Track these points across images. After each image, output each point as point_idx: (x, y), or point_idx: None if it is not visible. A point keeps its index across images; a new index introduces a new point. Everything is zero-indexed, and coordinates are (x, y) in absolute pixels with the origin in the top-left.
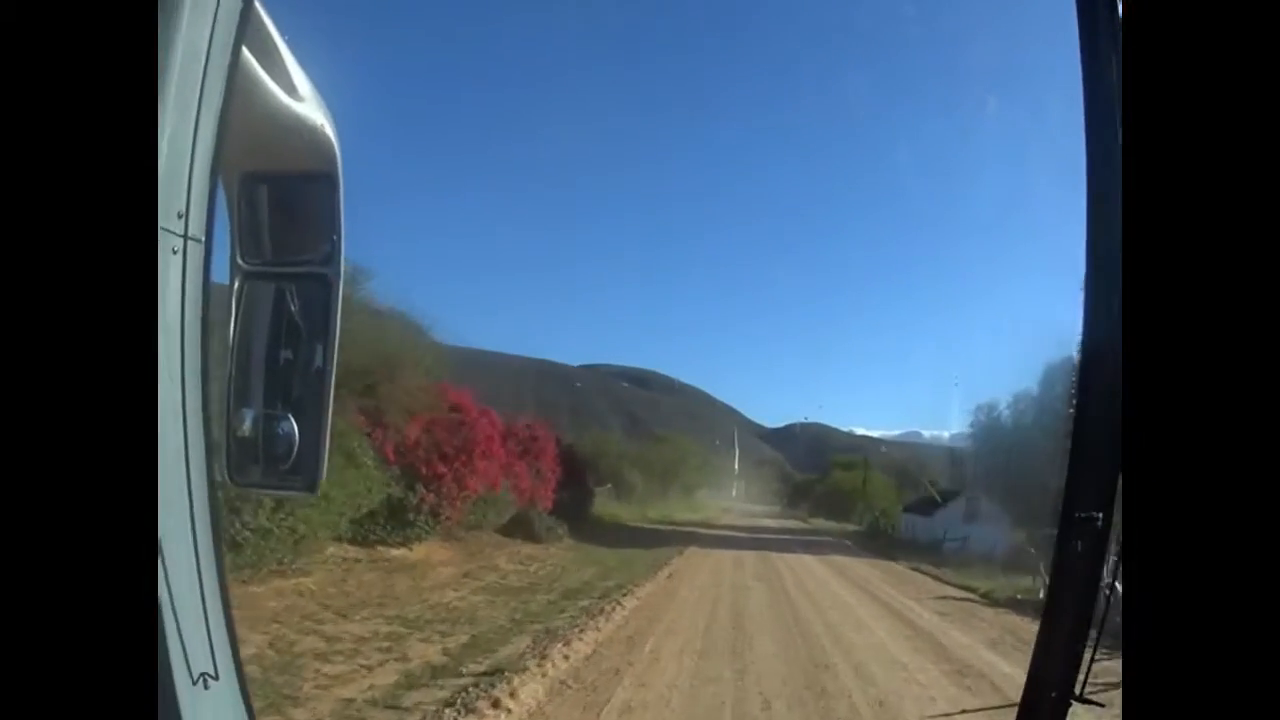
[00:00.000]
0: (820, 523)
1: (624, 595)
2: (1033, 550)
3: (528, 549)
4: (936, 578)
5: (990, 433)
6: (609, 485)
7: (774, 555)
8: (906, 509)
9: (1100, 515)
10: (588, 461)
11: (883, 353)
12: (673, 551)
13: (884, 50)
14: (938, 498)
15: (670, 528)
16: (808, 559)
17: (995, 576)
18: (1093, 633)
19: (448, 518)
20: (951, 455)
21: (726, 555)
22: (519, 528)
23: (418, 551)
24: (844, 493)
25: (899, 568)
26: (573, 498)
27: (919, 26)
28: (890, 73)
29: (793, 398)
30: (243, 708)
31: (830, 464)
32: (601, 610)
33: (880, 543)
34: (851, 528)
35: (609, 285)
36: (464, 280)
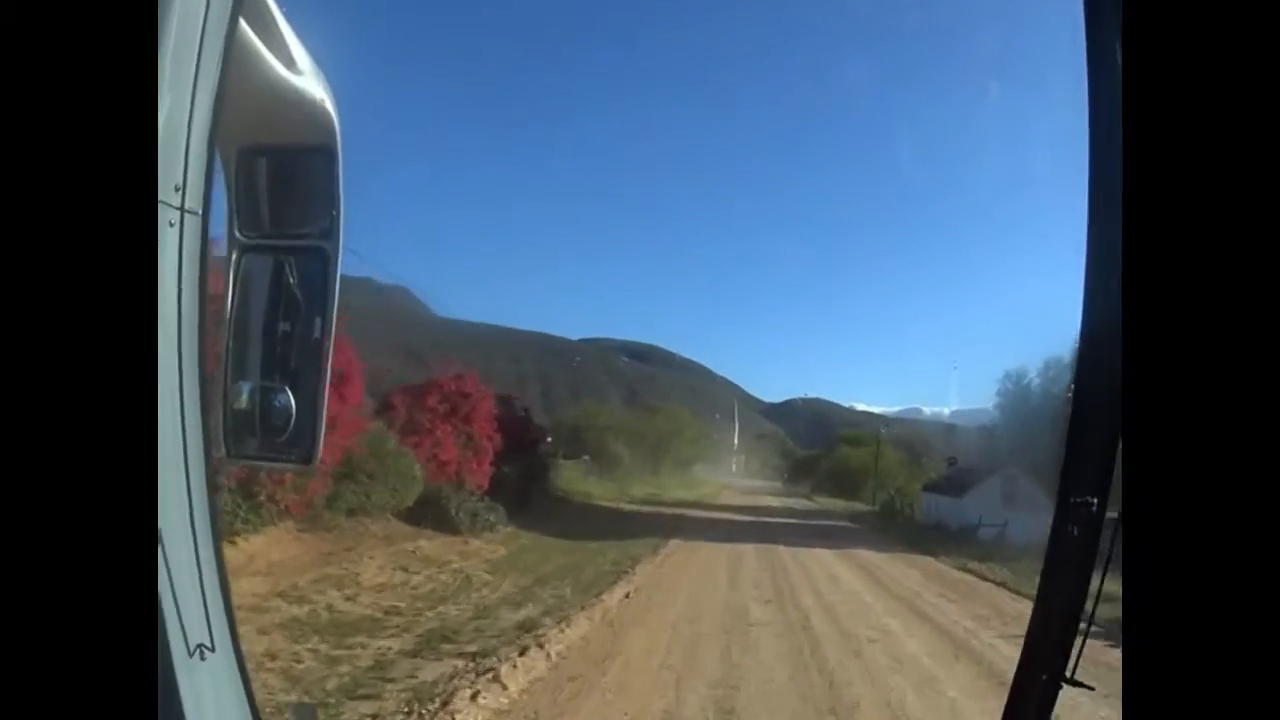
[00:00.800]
0: (827, 501)
1: (521, 652)
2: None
3: (433, 544)
4: (999, 583)
5: (1021, 403)
6: (585, 457)
7: (783, 550)
8: (927, 488)
9: (1095, 500)
10: (552, 427)
11: (883, 329)
12: (648, 547)
13: (885, 33)
14: (932, 475)
15: (654, 509)
16: (826, 556)
17: None
18: (1083, 620)
19: (275, 498)
20: (951, 431)
21: (721, 552)
22: (429, 512)
23: (244, 548)
24: (852, 469)
25: (944, 568)
26: (519, 473)
27: (919, 11)
28: (891, 54)
29: (792, 373)
30: (238, 678)
31: (836, 438)
32: (450, 697)
33: (899, 527)
34: (862, 507)
35: (610, 260)
36: (465, 255)
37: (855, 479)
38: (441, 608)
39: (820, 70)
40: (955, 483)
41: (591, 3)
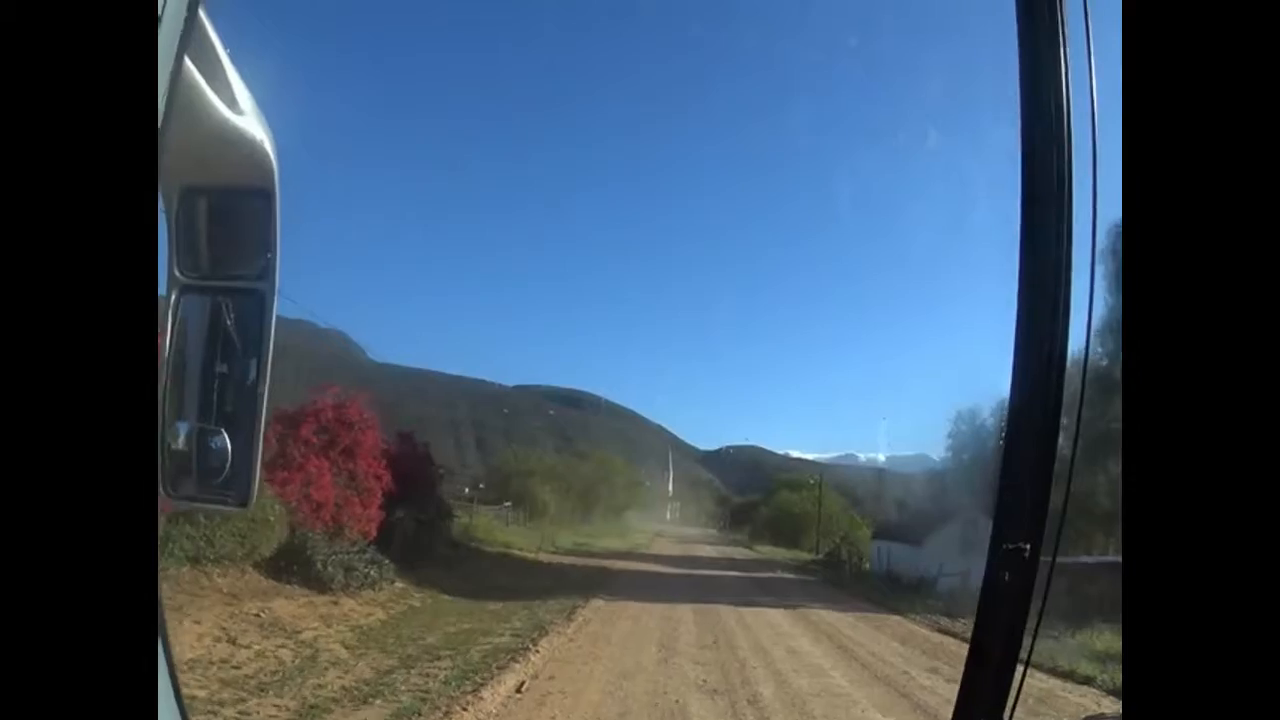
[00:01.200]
0: (768, 550)
1: None
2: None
3: (292, 605)
4: None
5: (975, 443)
6: (507, 504)
7: (726, 611)
8: (878, 535)
9: (1028, 547)
10: (485, 474)
11: (815, 376)
12: (563, 609)
13: (825, 81)
14: (873, 522)
15: (580, 561)
16: (777, 618)
17: (1064, 639)
18: (1019, 664)
19: None
20: (883, 477)
21: (652, 614)
22: (293, 564)
23: None
24: (793, 515)
25: (916, 629)
26: (417, 520)
27: (861, 58)
28: (830, 103)
29: (725, 420)
30: (177, 714)
31: (775, 484)
32: None
33: (849, 578)
34: (805, 556)
35: (545, 307)
36: (403, 299)
37: (796, 526)
38: (254, 701)
39: (762, 116)
40: (909, 529)
41: (537, 52)
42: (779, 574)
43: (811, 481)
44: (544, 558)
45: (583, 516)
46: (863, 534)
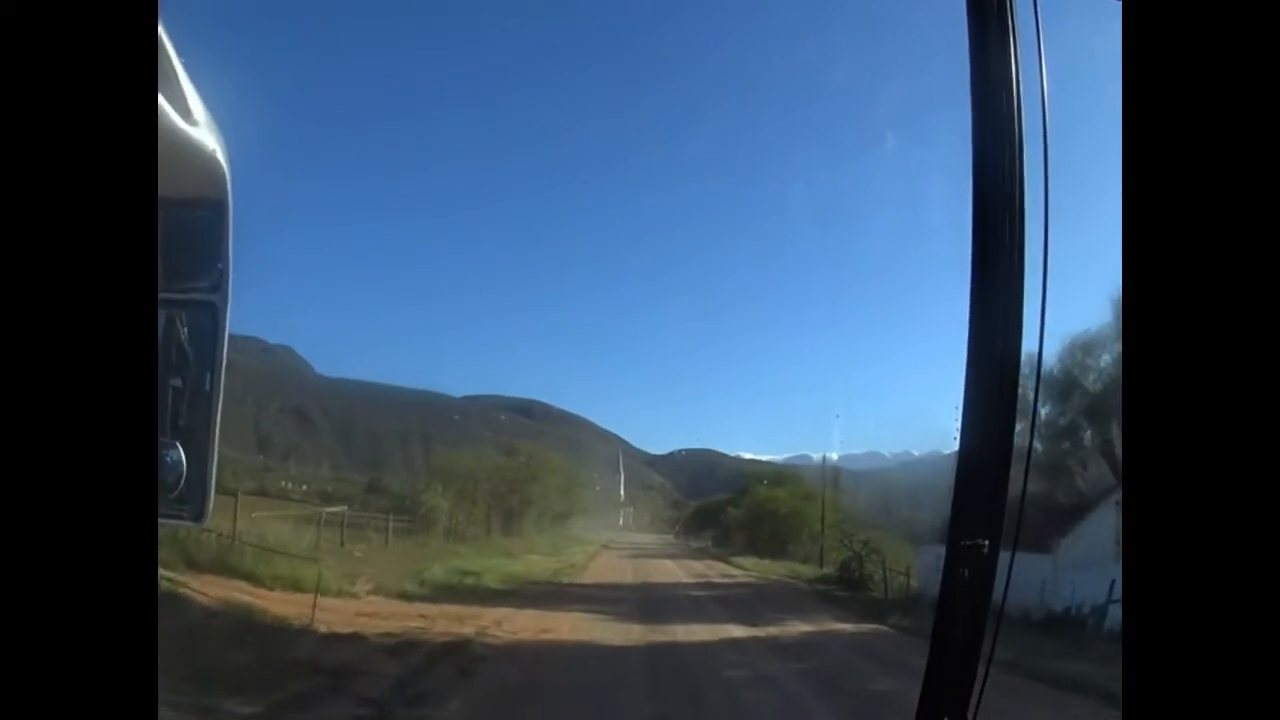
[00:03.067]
0: (750, 562)
1: None
2: None
3: None
4: None
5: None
6: (339, 507)
7: None
8: (929, 540)
9: (987, 543)
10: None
11: (764, 378)
12: None
13: (783, 93)
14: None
15: (429, 615)
16: None
17: None
18: (981, 662)
19: None
20: (840, 474)
21: None
22: None
23: None
24: (778, 516)
25: None
26: None
27: (820, 71)
28: (787, 115)
29: (675, 423)
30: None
31: (746, 479)
32: None
33: (901, 606)
34: (807, 570)
35: (497, 319)
36: (352, 314)
37: (782, 530)
38: None
39: (718, 126)
40: (1047, 528)
41: (494, 64)
42: (821, 624)
43: (764, 482)
44: (334, 618)
45: (503, 526)
46: (879, 536)
